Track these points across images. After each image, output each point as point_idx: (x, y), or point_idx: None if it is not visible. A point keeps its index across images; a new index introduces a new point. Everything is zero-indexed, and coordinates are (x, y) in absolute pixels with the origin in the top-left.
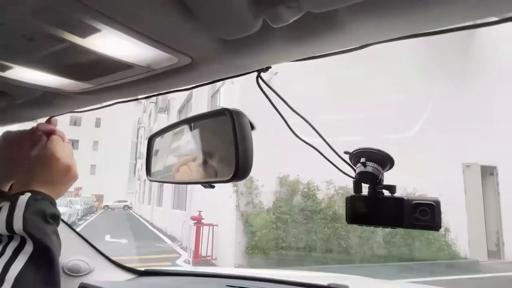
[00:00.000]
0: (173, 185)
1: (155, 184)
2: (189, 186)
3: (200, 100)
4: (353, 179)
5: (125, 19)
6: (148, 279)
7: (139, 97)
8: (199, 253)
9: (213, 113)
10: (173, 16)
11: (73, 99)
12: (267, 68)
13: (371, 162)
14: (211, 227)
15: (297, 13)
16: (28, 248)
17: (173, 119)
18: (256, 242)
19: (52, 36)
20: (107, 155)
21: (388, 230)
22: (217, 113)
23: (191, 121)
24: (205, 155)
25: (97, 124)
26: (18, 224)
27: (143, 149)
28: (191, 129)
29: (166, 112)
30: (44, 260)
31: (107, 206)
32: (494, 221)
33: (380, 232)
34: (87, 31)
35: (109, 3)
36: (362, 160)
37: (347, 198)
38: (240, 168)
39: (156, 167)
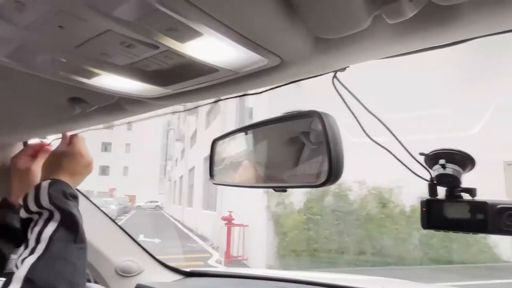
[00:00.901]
0: (204, 186)
1: (185, 185)
2: (219, 187)
3: (229, 101)
4: (428, 182)
5: (227, 19)
6: (196, 280)
7: (214, 100)
8: (231, 253)
9: (298, 115)
10: (273, 15)
11: (146, 104)
12: (345, 68)
13: (451, 164)
14: (241, 227)
15: (419, 6)
16: (57, 216)
17: (202, 120)
18: (287, 243)
19: (152, 43)
20: (138, 157)
21: (424, 231)
22: (303, 115)
23: (267, 124)
24: (282, 158)
25: (129, 127)
26: (44, 199)
27: (173, 151)
28: (263, 132)
29: (195, 114)
30: (72, 224)
31: (139, 206)
32: None
33: (416, 234)
34: (188, 35)
35: (216, 3)
36: (441, 161)
37: (422, 202)
38: (333, 172)
39: (221, 170)
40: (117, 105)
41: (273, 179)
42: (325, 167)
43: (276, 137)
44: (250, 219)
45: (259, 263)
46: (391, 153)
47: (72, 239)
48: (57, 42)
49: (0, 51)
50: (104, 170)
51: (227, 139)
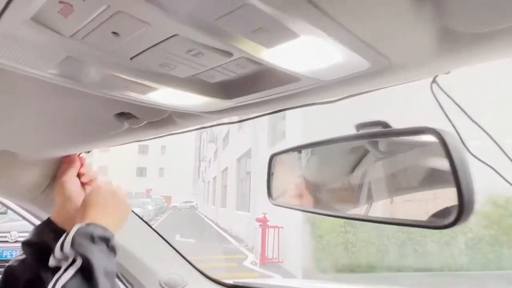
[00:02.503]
0: (237, 187)
1: (219, 186)
2: (252, 186)
3: None
4: None
5: (340, 14)
6: None
7: (274, 111)
8: (266, 255)
9: (404, 131)
10: (398, 2)
11: (200, 118)
12: (448, 72)
13: None
14: (276, 229)
15: None
16: (78, 263)
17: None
18: (324, 246)
19: (226, 49)
20: (173, 159)
21: (470, 235)
22: (412, 131)
23: (339, 141)
24: (367, 183)
25: None
26: (67, 245)
27: (206, 152)
28: (334, 149)
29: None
30: (88, 272)
31: (175, 206)
32: None
33: (462, 238)
34: (280, 37)
35: None
36: None
37: None
38: (465, 207)
39: (281, 190)
40: (168, 119)
41: (356, 208)
42: (452, 202)
43: (353, 155)
44: (285, 221)
45: (295, 265)
46: (482, 161)
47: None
48: (109, 52)
49: (44, 64)
50: (141, 172)
51: (288, 155)
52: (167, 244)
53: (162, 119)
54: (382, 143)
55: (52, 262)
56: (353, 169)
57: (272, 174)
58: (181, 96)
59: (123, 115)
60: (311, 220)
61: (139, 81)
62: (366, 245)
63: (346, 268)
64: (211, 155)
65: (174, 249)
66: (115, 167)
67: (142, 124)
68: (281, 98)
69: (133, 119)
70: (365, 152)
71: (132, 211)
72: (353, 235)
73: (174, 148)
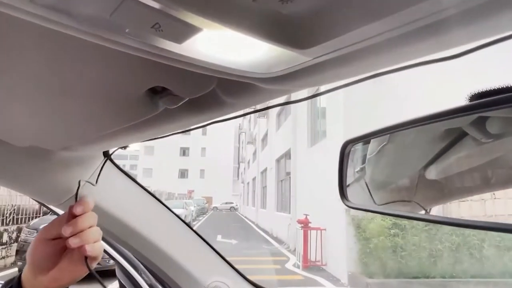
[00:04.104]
0: (276, 187)
1: (258, 187)
2: (292, 187)
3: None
4: None
5: None
6: None
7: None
8: (308, 257)
9: None
10: None
11: (250, 92)
12: None
13: None
14: (319, 231)
15: None
16: None
17: (272, 123)
18: (371, 249)
19: None
20: (213, 160)
21: None
22: None
23: (441, 118)
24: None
25: (204, 132)
26: None
27: (245, 153)
28: (434, 129)
29: (265, 116)
30: None
31: (215, 207)
32: None
33: None
34: None
35: None
36: None
37: None
38: None
39: (357, 187)
40: (213, 97)
41: None
42: None
43: (437, 144)
44: (327, 222)
45: (340, 269)
46: None
47: None
48: None
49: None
50: (183, 174)
51: (368, 142)
52: (213, 251)
53: (205, 97)
54: (496, 121)
55: None
56: (439, 159)
57: (346, 168)
58: (233, 44)
59: (156, 94)
60: (356, 222)
61: (174, 11)
62: (416, 249)
63: (395, 273)
64: (250, 156)
65: (221, 256)
66: (158, 169)
67: (180, 104)
68: (396, 40)
69: (169, 96)
70: (458, 138)
71: (173, 212)
72: (402, 238)
73: (214, 150)
